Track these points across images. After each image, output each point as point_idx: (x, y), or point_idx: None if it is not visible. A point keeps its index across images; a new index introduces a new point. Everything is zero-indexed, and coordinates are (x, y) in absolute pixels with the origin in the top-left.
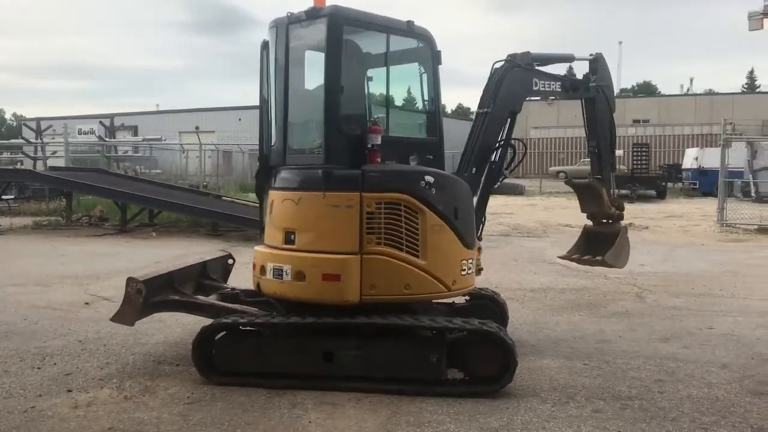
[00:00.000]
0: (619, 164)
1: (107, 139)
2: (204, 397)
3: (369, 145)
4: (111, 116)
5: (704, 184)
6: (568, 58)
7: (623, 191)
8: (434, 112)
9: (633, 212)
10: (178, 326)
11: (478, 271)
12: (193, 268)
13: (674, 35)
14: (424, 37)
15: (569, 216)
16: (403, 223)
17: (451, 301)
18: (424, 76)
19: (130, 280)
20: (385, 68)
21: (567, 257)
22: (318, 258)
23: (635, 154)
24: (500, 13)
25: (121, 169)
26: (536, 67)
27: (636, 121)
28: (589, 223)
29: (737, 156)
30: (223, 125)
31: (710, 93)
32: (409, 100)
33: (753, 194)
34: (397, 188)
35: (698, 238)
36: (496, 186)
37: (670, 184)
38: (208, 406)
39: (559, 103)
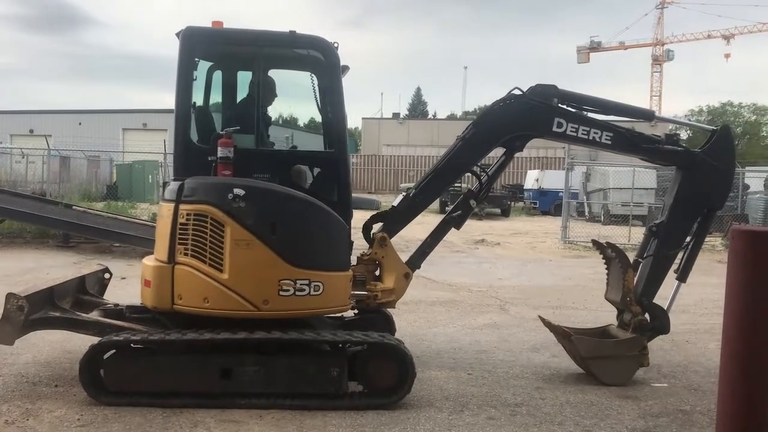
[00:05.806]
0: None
1: None
2: (96, 419)
3: (214, 158)
4: None
5: (543, 203)
6: (626, 111)
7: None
8: (333, 123)
9: (482, 229)
10: (45, 344)
11: (388, 301)
12: (70, 282)
13: (512, 64)
14: (313, 44)
15: (425, 231)
16: (208, 236)
17: (340, 315)
18: (318, 86)
19: (10, 296)
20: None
21: (549, 323)
22: (144, 265)
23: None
24: (351, 30)
25: None
26: (567, 108)
27: None
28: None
29: (574, 179)
30: (60, 129)
31: None
32: (308, 114)
33: (586, 214)
34: (203, 200)
35: (545, 254)
36: (455, 214)
37: (512, 203)
38: (103, 428)
39: (409, 122)
